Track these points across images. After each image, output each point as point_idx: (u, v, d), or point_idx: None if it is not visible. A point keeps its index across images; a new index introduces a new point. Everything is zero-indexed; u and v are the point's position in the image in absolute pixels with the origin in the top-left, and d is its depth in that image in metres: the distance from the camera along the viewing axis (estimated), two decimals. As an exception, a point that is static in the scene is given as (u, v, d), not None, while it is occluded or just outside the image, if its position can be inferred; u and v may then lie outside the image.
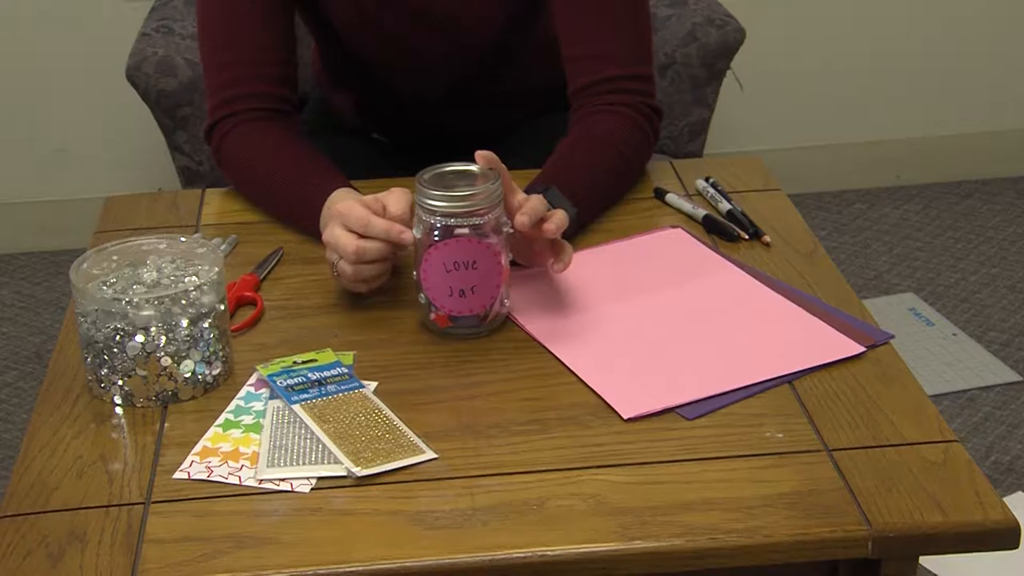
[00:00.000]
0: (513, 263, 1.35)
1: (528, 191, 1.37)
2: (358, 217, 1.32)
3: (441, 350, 1.30)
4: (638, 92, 1.57)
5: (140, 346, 1.21)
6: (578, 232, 1.47)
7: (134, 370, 1.22)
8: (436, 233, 1.27)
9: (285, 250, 1.49)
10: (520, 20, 1.68)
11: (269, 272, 1.45)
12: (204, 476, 1.14)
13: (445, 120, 1.75)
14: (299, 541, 1.06)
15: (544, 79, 1.73)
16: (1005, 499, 1.10)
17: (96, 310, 1.21)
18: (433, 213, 1.26)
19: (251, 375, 1.27)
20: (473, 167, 1.30)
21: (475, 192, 1.26)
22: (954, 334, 2.68)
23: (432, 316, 1.31)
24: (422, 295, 1.30)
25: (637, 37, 1.58)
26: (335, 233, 1.33)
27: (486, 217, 1.27)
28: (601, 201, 1.53)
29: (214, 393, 1.25)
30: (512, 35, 1.70)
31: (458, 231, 1.26)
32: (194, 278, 1.25)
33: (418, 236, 1.29)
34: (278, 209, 1.54)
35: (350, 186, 1.46)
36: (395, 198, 1.35)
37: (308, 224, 1.46)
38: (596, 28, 1.56)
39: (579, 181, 1.47)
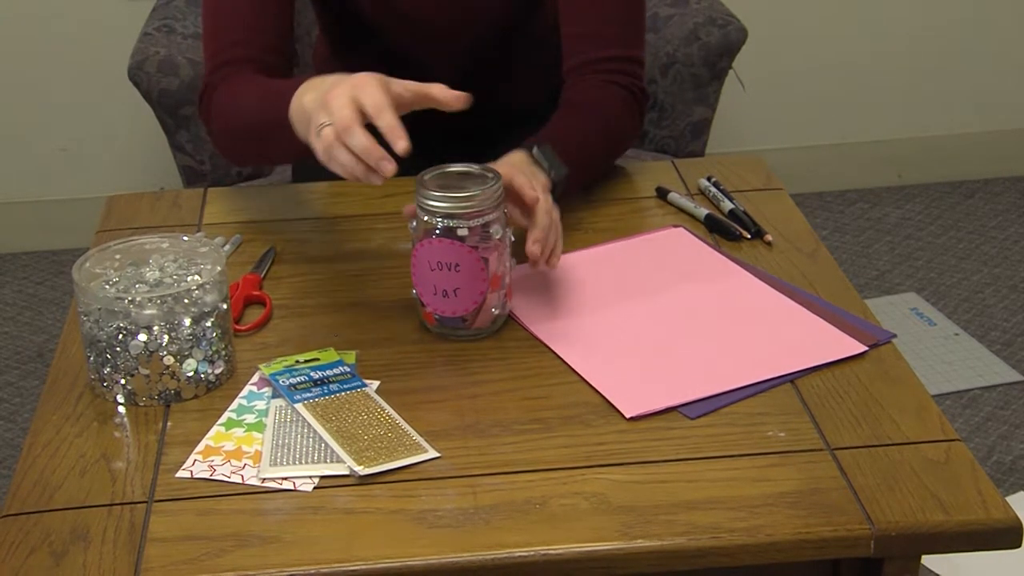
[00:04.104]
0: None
1: (523, 147, 1.41)
2: (375, 101, 1.21)
3: (443, 349, 1.30)
4: (629, 74, 1.61)
5: (143, 345, 1.21)
6: (564, 195, 1.45)
7: (137, 369, 1.22)
8: (436, 232, 1.27)
9: (285, 249, 1.49)
10: (526, 6, 1.72)
11: (267, 271, 1.45)
12: (207, 475, 1.14)
13: (446, 114, 1.76)
14: (301, 540, 1.06)
15: (549, 76, 1.74)
16: (1007, 499, 1.11)
17: (99, 309, 1.21)
18: (432, 213, 1.26)
19: (254, 374, 1.27)
20: (474, 168, 1.30)
21: (474, 194, 1.26)
22: (956, 334, 2.68)
23: (422, 313, 1.32)
24: (414, 290, 1.31)
25: (633, 20, 1.64)
26: (340, 98, 1.21)
27: (483, 220, 1.26)
28: (588, 169, 1.55)
29: (217, 392, 1.25)
30: (519, 20, 1.73)
31: (459, 232, 1.26)
32: (197, 277, 1.26)
33: (415, 232, 1.29)
34: (265, 136, 1.44)
35: None
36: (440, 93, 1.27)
37: (283, 131, 1.36)
38: (595, 9, 1.61)
39: (570, 145, 1.48)
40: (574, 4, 1.62)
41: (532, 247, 1.30)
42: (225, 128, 1.55)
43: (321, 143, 1.23)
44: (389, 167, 1.20)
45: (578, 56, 1.61)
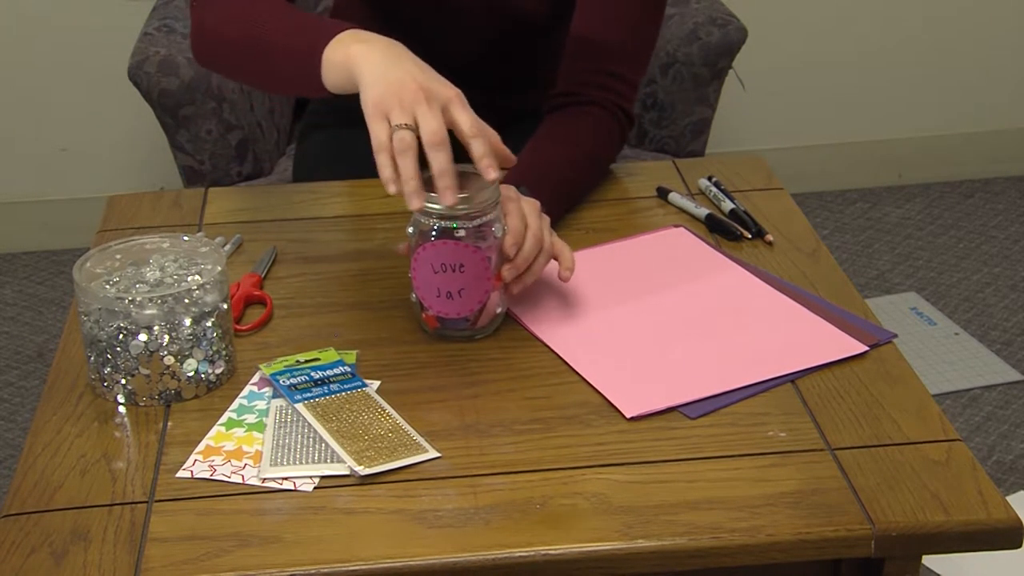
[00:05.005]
0: None
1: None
2: (472, 121, 1.22)
3: (444, 349, 1.30)
4: (618, 93, 1.60)
5: (143, 345, 1.21)
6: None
7: (137, 369, 1.22)
8: (433, 234, 1.27)
9: (285, 249, 1.49)
10: (557, 13, 1.72)
11: (268, 271, 1.45)
12: (207, 475, 1.14)
13: None
14: (302, 540, 1.06)
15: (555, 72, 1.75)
16: (1007, 498, 1.10)
17: (99, 309, 1.21)
18: (429, 214, 1.26)
19: (254, 374, 1.27)
20: (472, 169, 1.30)
21: (472, 195, 1.26)
22: (956, 333, 2.68)
23: (423, 316, 1.32)
24: (413, 294, 1.31)
25: (639, 45, 1.62)
26: (433, 112, 1.21)
27: (482, 220, 1.27)
28: (565, 204, 1.53)
29: (217, 392, 1.25)
30: (547, 26, 1.73)
31: (456, 233, 1.26)
32: (197, 277, 1.26)
33: (412, 234, 1.29)
34: (272, 62, 1.38)
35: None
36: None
37: (307, 70, 1.32)
38: (606, 22, 1.60)
39: (548, 182, 1.47)
40: (588, 12, 1.61)
41: (506, 272, 1.29)
42: (222, 31, 1.44)
43: (397, 142, 1.21)
44: (452, 200, 1.21)
45: (576, 60, 1.60)
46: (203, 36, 1.47)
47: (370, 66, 1.26)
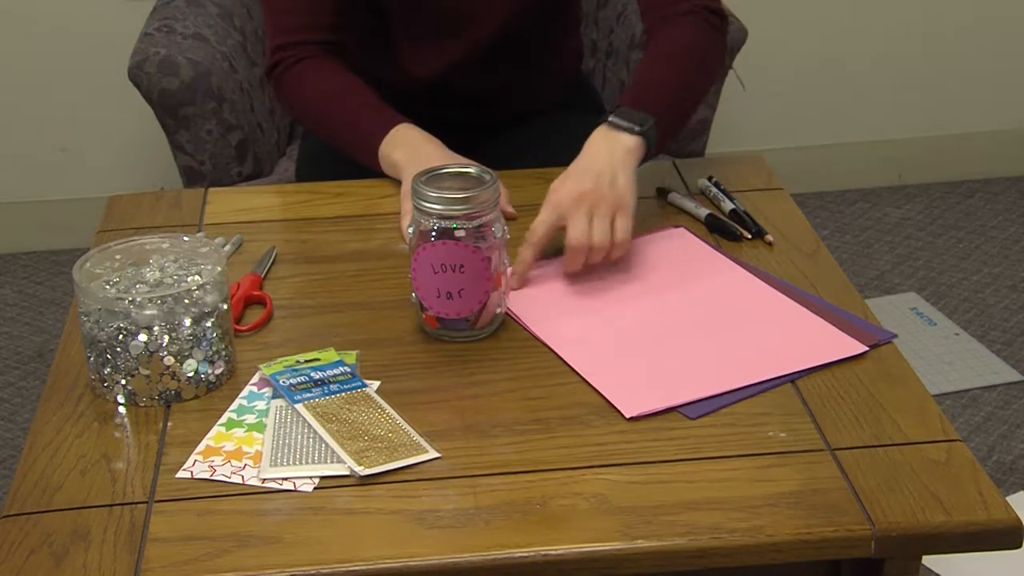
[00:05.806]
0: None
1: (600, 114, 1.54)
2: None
3: (444, 349, 1.30)
4: (703, 6, 1.63)
5: (143, 345, 1.21)
6: (658, 152, 1.52)
7: (137, 369, 1.22)
8: (433, 234, 1.27)
9: (285, 249, 1.49)
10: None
11: (268, 271, 1.45)
12: (207, 475, 1.14)
13: (457, 109, 1.77)
14: (302, 540, 1.06)
15: (566, 80, 1.76)
16: (1007, 498, 1.11)
17: (99, 309, 1.21)
18: (429, 215, 1.26)
19: (254, 374, 1.27)
20: (471, 169, 1.30)
21: (471, 195, 1.26)
22: (956, 334, 2.68)
23: (423, 316, 1.32)
24: (413, 294, 1.31)
25: None
26: None
27: (482, 220, 1.27)
28: (678, 109, 1.57)
29: (217, 392, 1.25)
30: (541, 20, 1.75)
31: (456, 233, 1.26)
32: (197, 277, 1.26)
33: (412, 234, 1.29)
34: (340, 142, 1.67)
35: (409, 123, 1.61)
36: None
37: (368, 158, 1.61)
38: None
39: (657, 99, 1.52)
40: None
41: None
42: (302, 115, 1.73)
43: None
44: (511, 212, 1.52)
45: (655, 12, 1.63)
46: (291, 115, 1.81)
47: (408, 174, 1.50)
